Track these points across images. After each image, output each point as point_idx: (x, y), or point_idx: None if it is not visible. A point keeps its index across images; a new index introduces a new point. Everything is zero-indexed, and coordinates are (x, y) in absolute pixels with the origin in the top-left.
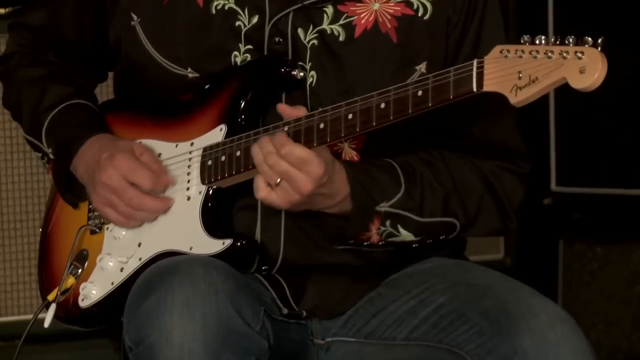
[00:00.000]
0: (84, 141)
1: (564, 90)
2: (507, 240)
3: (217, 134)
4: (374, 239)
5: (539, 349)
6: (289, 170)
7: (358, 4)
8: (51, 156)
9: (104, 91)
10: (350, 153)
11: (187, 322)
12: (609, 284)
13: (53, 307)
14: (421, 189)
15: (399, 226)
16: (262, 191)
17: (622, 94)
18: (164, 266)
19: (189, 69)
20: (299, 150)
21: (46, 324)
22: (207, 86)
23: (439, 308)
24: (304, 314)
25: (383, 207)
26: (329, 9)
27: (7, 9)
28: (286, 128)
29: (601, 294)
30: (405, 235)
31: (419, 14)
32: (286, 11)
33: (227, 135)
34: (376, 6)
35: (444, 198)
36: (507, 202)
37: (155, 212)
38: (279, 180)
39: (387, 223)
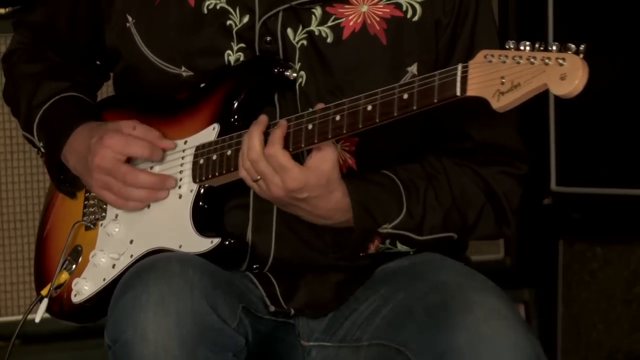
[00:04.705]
0: (72, 131)
1: None
2: (507, 240)
3: (210, 133)
4: (371, 251)
5: (472, 344)
6: (267, 171)
7: (346, 6)
8: (42, 150)
9: (104, 91)
10: (344, 155)
11: (161, 318)
12: (609, 284)
13: (45, 302)
14: (422, 208)
15: (397, 243)
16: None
17: (622, 94)
18: (143, 264)
19: (183, 68)
20: (283, 157)
21: (37, 319)
22: (202, 85)
23: (396, 305)
24: (292, 312)
25: (385, 229)
26: (317, 11)
27: (7, 9)
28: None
29: (601, 294)
30: (402, 248)
31: (408, 16)
32: (274, 11)
33: (220, 135)
34: (364, 8)
35: (444, 215)
36: (508, 207)
37: (152, 187)
38: (258, 177)
39: (387, 242)
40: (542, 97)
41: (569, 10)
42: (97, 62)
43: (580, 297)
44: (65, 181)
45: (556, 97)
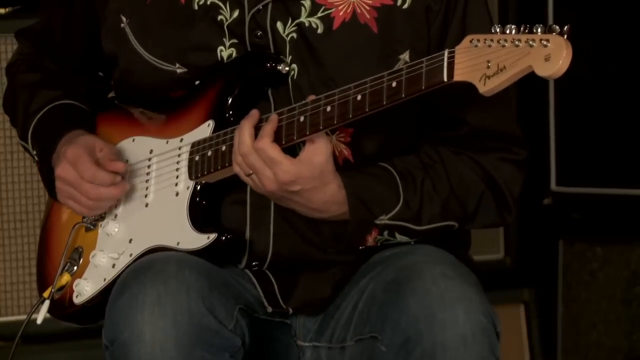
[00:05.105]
0: (60, 139)
1: (564, 89)
2: (507, 240)
3: (205, 130)
4: (369, 243)
5: (422, 304)
6: (258, 165)
7: None
8: (36, 158)
9: None
10: (339, 147)
11: (158, 319)
12: (609, 284)
13: (46, 304)
14: (420, 198)
15: (396, 233)
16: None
17: (622, 94)
18: (140, 264)
19: (177, 65)
20: (272, 150)
21: (39, 321)
22: (196, 83)
23: (366, 297)
24: (291, 311)
25: (382, 220)
26: (307, 2)
27: (7, 9)
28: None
29: (601, 294)
30: (402, 239)
31: (398, 4)
32: (263, 3)
33: (215, 131)
34: None
35: (442, 204)
36: (508, 194)
37: (115, 198)
38: (251, 171)
39: (385, 233)
40: (542, 96)
41: (569, 10)
42: (100, 74)
43: (580, 297)
44: None
45: (556, 97)
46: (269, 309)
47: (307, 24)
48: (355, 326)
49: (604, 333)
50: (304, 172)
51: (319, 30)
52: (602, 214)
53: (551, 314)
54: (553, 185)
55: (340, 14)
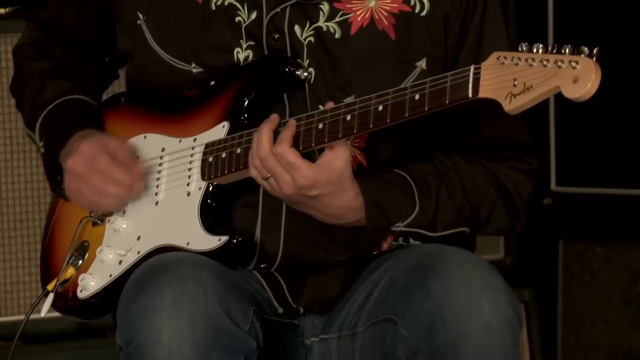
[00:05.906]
0: (70, 136)
1: None
2: (507, 240)
3: (220, 131)
4: (384, 248)
5: (446, 287)
6: (277, 169)
7: (354, 1)
8: (42, 150)
9: (109, 91)
10: (353, 152)
11: (175, 321)
12: (609, 284)
13: (51, 296)
14: (435, 206)
15: (410, 239)
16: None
17: (622, 95)
18: (154, 265)
19: (193, 64)
20: (291, 155)
21: (43, 313)
22: (212, 83)
23: (383, 284)
24: (301, 310)
25: (398, 227)
26: (325, 6)
27: (7, 9)
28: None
29: (601, 294)
30: (415, 244)
31: (416, 10)
32: (281, 7)
33: (230, 133)
34: (372, 3)
35: (457, 212)
36: (519, 202)
37: (120, 199)
38: (268, 175)
39: (400, 239)
40: None
41: (569, 11)
42: (106, 59)
43: (580, 297)
44: (61, 183)
45: (556, 97)
46: (280, 310)
47: (324, 29)
48: (367, 313)
49: (604, 333)
50: (322, 177)
51: (337, 35)
52: (602, 214)
53: (551, 314)
54: (553, 185)
55: (358, 19)
